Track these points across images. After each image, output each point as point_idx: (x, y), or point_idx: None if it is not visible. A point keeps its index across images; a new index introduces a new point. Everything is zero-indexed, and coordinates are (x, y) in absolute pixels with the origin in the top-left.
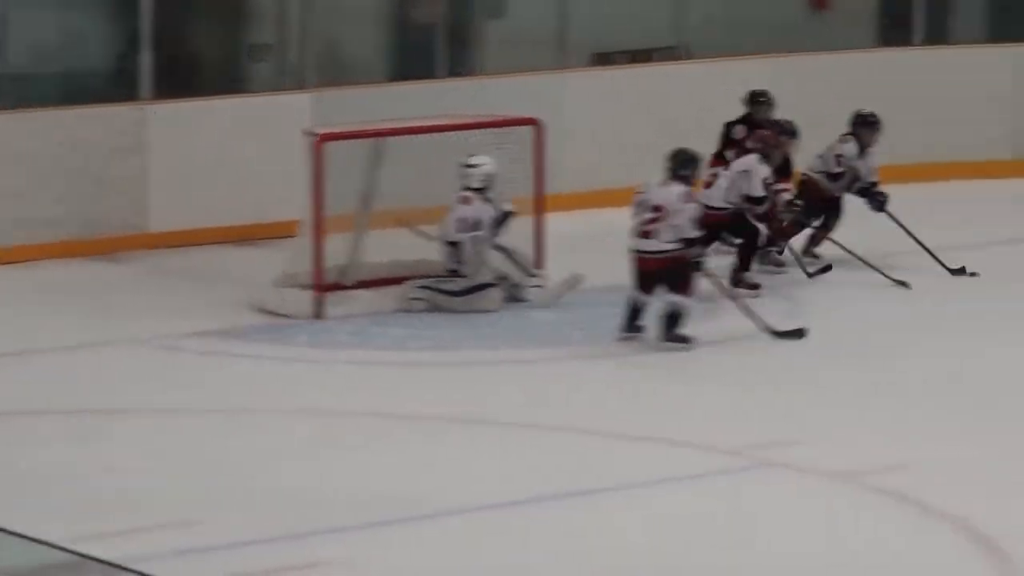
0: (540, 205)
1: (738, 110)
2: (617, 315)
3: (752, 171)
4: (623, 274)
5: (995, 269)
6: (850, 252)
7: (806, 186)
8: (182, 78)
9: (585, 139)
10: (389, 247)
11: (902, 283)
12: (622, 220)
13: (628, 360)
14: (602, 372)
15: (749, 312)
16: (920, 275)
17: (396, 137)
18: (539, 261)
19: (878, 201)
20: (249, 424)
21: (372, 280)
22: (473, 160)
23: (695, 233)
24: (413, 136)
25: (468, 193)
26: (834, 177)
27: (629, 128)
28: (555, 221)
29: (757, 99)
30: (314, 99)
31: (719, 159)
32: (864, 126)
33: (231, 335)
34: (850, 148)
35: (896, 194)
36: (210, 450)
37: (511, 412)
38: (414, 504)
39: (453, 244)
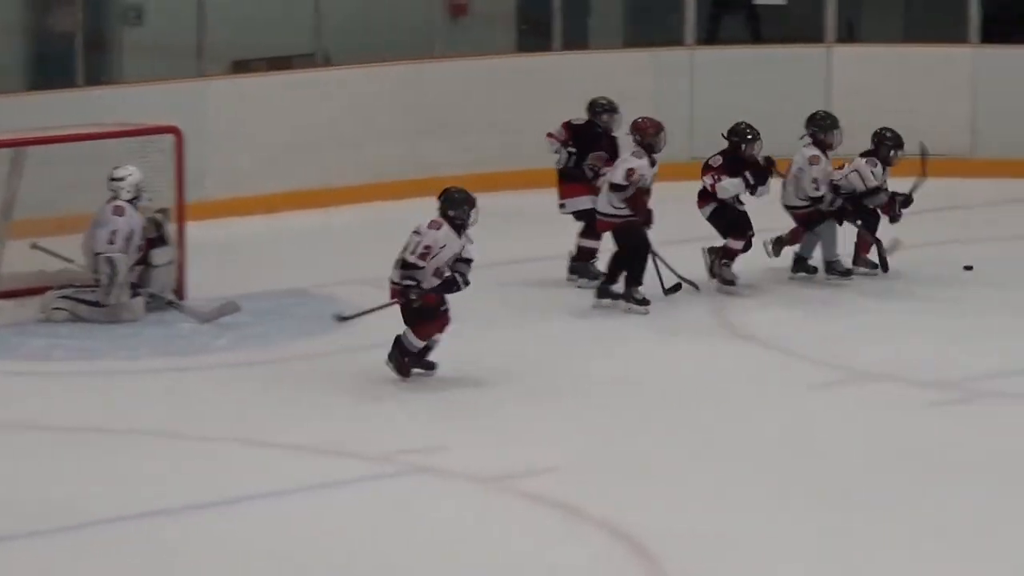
0: (182, 213)
1: (375, 116)
2: (259, 324)
3: (623, 162)
4: (263, 282)
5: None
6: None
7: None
8: None
9: (228, 146)
10: (30, 257)
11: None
12: (266, 227)
13: (272, 368)
14: (243, 380)
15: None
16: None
17: (36, 147)
18: (182, 272)
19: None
20: None
21: (13, 290)
22: (119, 172)
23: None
24: (54, 145)
25: (121, 203)
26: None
27: (271, 134)
28: (200, 229)
29: (595, 108)
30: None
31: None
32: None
33: None
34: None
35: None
36: None
37: (153, 421)
38: (58, 515)
39: (100, 255)
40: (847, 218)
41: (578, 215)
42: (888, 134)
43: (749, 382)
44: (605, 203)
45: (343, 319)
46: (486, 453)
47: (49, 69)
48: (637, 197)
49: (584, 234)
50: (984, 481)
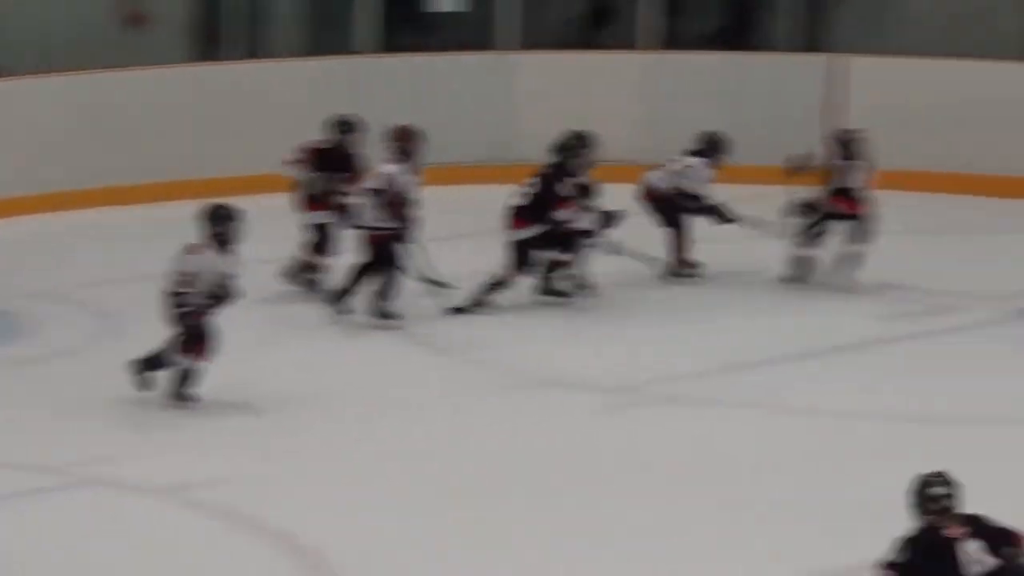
0: None
1: (49, 128)
2: None
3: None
4: None
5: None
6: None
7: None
8: None
9: None
10: None
11: None
12: None
13: None
14: None
15: None
16: None
17: None
18: None
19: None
20: None
21: None
22: None
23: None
24: None
25: None
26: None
27: None
28: None
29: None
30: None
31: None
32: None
33: None
34: None
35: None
36: None
37: None
38: None
39: None
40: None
41: (317, 228)
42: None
43: (433, 390)
44: (371, 217)
45: None
46: (154, 463)
47: None
48: (396, 205)
49: (316, 249)
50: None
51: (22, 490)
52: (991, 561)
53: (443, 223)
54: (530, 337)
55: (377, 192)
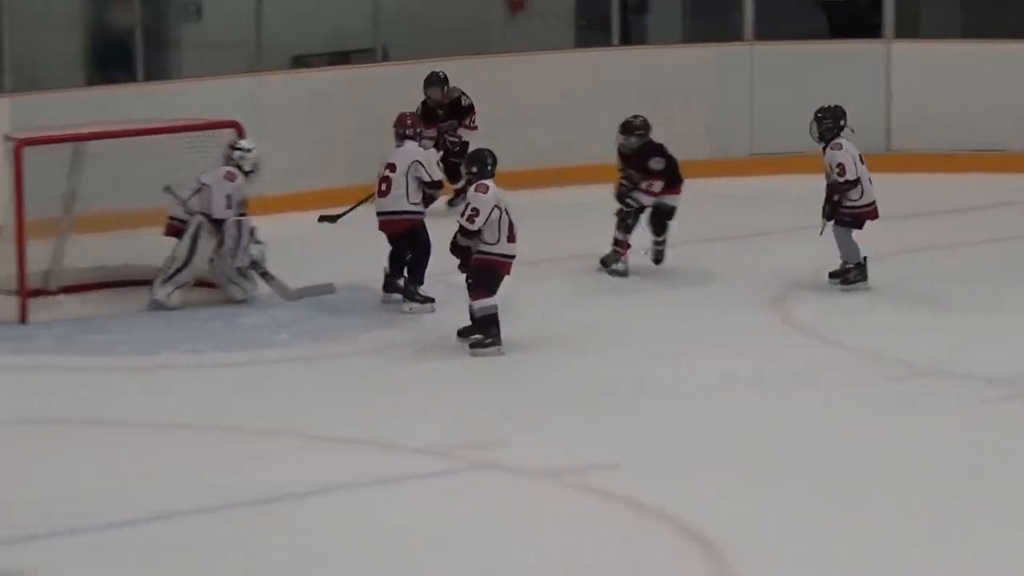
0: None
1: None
2: (318, 319)
3: (423, 157)
4: (319, 277)
5: (696, 269)
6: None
7: None
8: None
9: (284, 142)
10: (92, 252)
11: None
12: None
13: (331, 363)
14: (304, 375)
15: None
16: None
17: (96, 141)
18: None
19: None
20: None
21: (76, 285)
22: (244, 143)
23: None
24: (113, 140)
25: (232, 170)
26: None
27: (328, 130)
28: (257, 224)
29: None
30: (12, 104)
31: None
32: None
33: None
34: None
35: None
36: None
37: (212, 415)
38: (120, 510)
39: (219, 221)
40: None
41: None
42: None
43: (809, 377)
44: (403, 202)
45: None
46: (546, 448)
47: (108, 64)
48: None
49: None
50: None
51: (414, 473)
52: None
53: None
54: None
55: (435, 186)
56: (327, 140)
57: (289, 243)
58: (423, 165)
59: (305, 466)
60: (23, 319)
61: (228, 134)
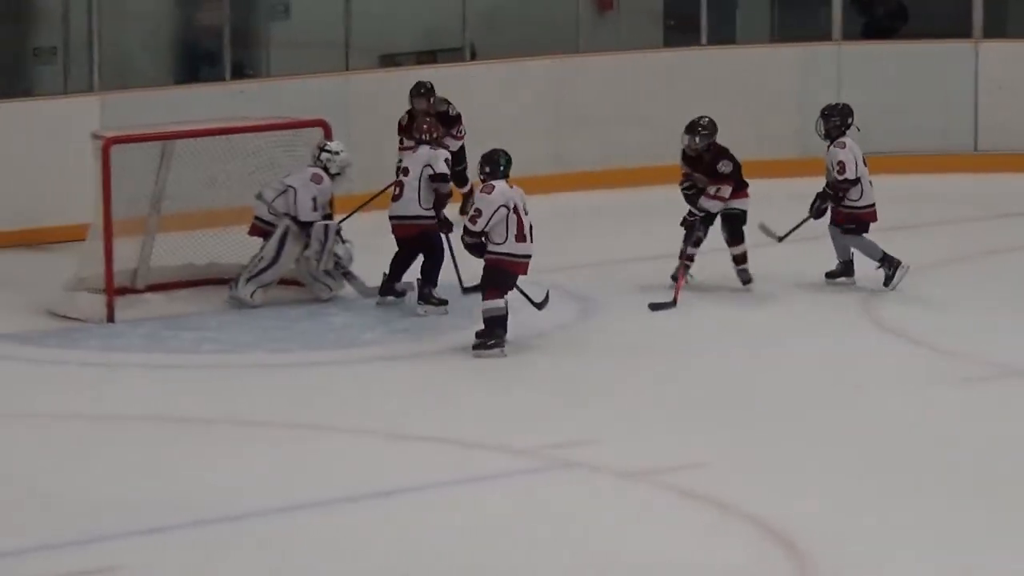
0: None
1: (521, 111)
2: (407, 318)
3: (435, 155)
4: (412, 276)
5: (784, 268)
6: None
7: None
8: None
9: (371, 141)
10: (179, 250)
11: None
12: None
13: (419, 362)
14: (393, 374)
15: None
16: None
17: (184, 140)
18: None
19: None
20: (41, 429)
21: (163, 283)
22: (333, 145)
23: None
24: (201, 139)
25: (319, 172)
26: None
27: None
28: (347, 223)
29: (418, 91)
30: (102, 102)
31: None
32: None
33: (22, 339)
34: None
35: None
36: (1, 455)
37: (301, 414)
38: (209, 508)
39: (305, 224)
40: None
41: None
42: None
43: (896, 378)
44: (414, 206)
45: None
46: (632, 448)
47: (196, 64)
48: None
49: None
50: None
51: (499, 472)
52: None
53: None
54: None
55: (441, 178)
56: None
57: (375, 242)
58: (432, 166)
59: (394, 465)
60: (110, 318)
61: (316, 133)
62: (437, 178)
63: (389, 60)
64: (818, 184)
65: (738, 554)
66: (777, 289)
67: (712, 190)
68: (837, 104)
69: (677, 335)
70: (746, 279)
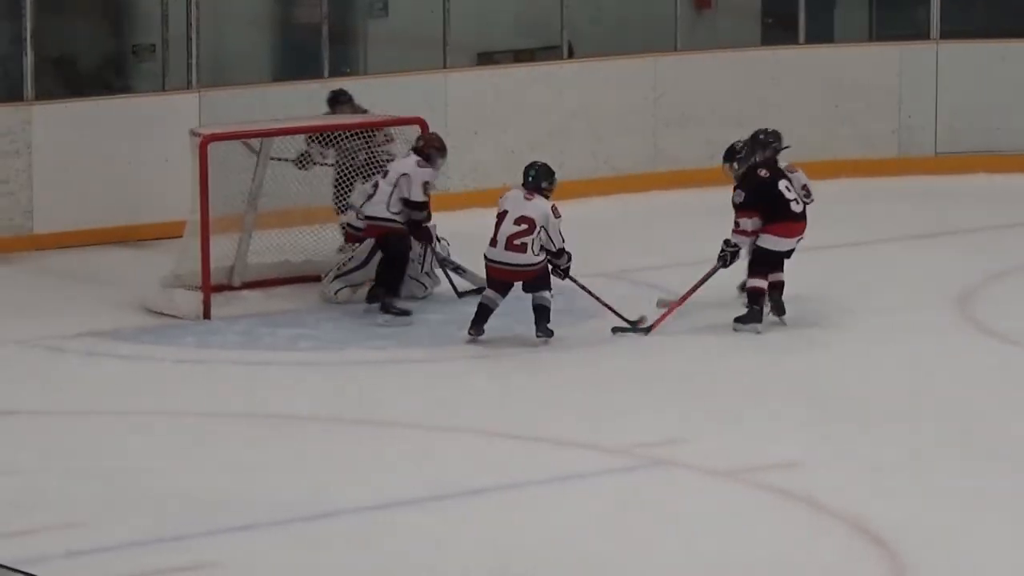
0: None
1: (619, 109)
2: (502, 316)
3: (412, 174)
4: None
5: (882, 267)
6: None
7: None
8: (66, 79)
9: (469, 138)
10: (276, 248)
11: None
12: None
13: (515, 359)
14: (488, 372)
15: (607, 306)
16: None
17: (282, 137)
18: None
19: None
20: (137, 425)
21: (259, 281)
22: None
23: (561, 244)
24: (298, 136)
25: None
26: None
27: (513, 127)
28: (443, 221)
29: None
30: (199, 99)
31: None
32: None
33: (118, 336)
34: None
35: None
36: (97, 452)
37: (396, 412)
38: (303, 505)
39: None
40: None
41: None
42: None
43: (993, 379)
44: (382, 208)
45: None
46: (725, 446)
47: (295, 61)
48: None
49: None
50: None
51: (593, 471)
52: None
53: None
54: None
55: (414, 206)
56: (510, 137)
57: (473, 239)
58: (409, 183)
59: (488, 463)
60: (207, 314)
61: (414, 131)
62: (409, 204)
63: (487, 58)
64: (917, 183)
65: (833, 553)
66: (871, 288)
67: (734, 223)
68: (770, 129)
69: (763, 334)
70: (779, 310)
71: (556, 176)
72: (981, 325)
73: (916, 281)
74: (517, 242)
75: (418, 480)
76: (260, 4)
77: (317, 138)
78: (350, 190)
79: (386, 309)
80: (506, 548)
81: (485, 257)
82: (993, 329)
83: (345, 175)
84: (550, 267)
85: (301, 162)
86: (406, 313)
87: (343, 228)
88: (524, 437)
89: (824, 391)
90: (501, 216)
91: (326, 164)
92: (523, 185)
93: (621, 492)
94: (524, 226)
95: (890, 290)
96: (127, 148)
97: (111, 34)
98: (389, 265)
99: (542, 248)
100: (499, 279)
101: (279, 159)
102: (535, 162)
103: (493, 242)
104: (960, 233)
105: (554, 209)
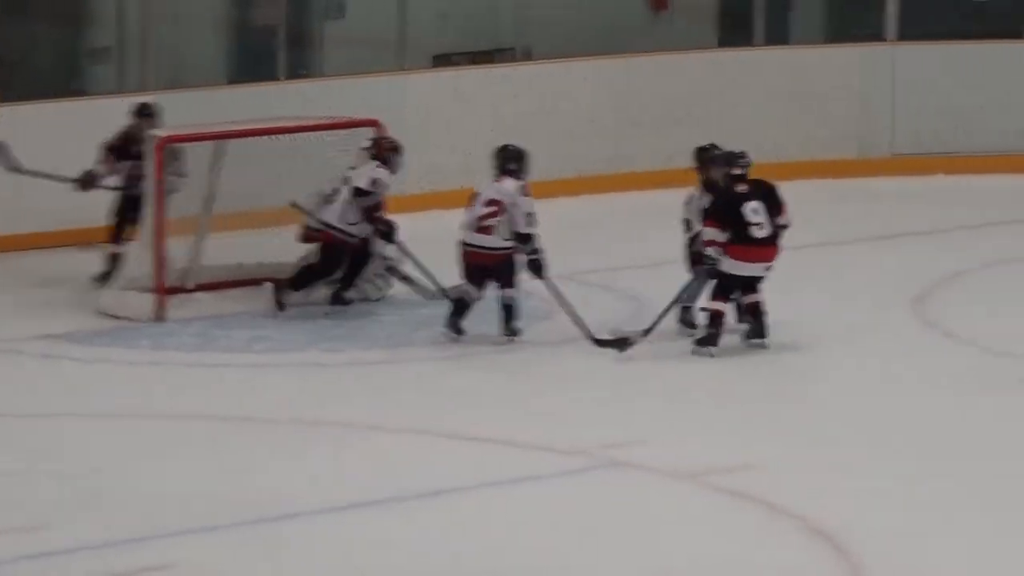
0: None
1: (575, 111)
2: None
3: (369, 176)
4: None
5: (840, 269)
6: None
7: None
8: (21, 81)
9: (425, 140)
10: (230, 250)
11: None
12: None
13: (470, 361)
14: (444, 373)
15: (576, 319)
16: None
17: (237, 139)
18: None
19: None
20: (93, 427)
21: (214, 283)
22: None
23: (530, 229)
24: (254, 138)
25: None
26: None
27: (469, 129)
28: (398, 222)
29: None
30: (155, 101)
31: None
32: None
33: (73, 339)
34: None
35: None
36: (56, 454)
37: (353, 414)
38: (263, 506)
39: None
40: None
41: None
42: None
43: (951, 380)
44: (334, 216)
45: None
46: (683, 448)
47: (251, 63)
48: (374, 210)
49: None
50: None
51: (551, 472)
52: None
53: None
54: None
55: (361, 193)
56: (467, 139)
57: (432, 241)
58: (356, 179)
59: (445, 465)
60: (161, 317)
61: (369, 133)
62: (356, 192)
63: (443, 60)
64: (875, 184)
65: (788, 554)
66: (832, 289)
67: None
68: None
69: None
70: (756, 333)
71: (526, 156)
72: (939, 326)
73: (874, 282)
74: (485, 224)
75: (377, 482)
76: (216, 6)
77: (114, 155)
78: (135, 215)
79: (336, 300)
80: (463, 550)
81: (459, 241)
82: (951, 330)
83: (130, 200)
84: (525, 263)
85: (83, 182)
86: (349, 301)
87: (303, 229)
88: (482, 439)
89: (783, 393)
90: (473, 198)
91: (108, 188)
92: (504, 173)
93: (578, 494)
94: (492, 208)
95: (848, 292)
96: (82, 150)
97: (66, 36)
98: (309, 269)
99: (513, 234)
100: (471, 263)
101: (55, 178)
102: (504, 144)
103: (465, 225)
104: (918, 234)
105: (524, 189)
